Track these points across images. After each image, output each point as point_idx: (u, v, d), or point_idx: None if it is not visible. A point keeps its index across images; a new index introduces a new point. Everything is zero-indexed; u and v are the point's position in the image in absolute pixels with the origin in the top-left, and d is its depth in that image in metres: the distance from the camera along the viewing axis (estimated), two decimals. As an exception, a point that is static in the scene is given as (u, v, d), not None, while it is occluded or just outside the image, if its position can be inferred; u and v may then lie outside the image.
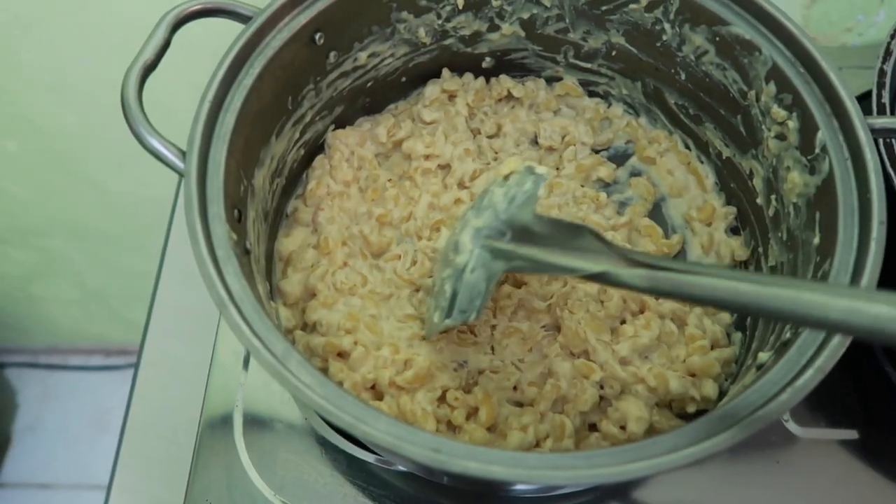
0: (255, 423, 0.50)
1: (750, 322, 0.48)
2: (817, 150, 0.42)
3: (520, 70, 0.58)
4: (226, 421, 0.50)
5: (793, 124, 0.44)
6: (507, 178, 0.45)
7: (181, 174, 0.39)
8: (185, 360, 0.54)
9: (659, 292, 0.35)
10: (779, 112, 0.45)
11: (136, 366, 0.55)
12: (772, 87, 0.45)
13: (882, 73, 0.50)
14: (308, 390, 0.34)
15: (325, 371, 0.46)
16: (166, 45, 0.42)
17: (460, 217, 0.47)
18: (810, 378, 0.34)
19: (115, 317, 1.18)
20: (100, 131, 0.80)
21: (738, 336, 0.49)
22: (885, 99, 0.48)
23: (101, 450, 1.16)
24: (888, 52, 0.51)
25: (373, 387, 0.45)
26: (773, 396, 0.34)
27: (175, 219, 0.62)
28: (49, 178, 0.89)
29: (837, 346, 0.34)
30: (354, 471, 0.48)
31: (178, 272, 0.59)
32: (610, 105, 0.58)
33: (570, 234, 0.38)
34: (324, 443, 0.49)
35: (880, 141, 0.47)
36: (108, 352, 1.30)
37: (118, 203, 0.93)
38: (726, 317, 0.50)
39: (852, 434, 0.50)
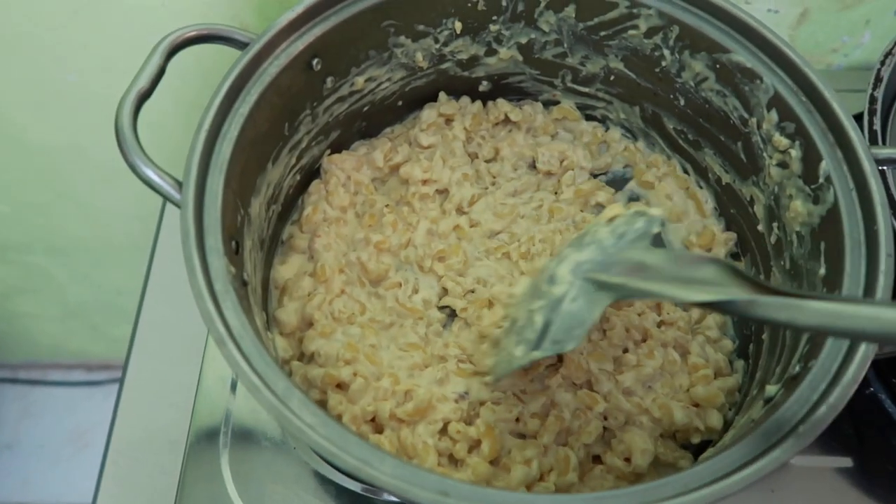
0: (242, 450, 0.49)
1: (753, 349, 0.48)
2: (821, 180, 0.42)
3: (517, 94, 0.58)
4: (212, 446, 0.49)
5: (795, 153, 0.44)
6: (610, 220, 0.44)
7: (178, 205, 0.38)
8: (171, 381, 0.53)
9: (798, 326, 0.33)
10: (781, 140, 0.45)
11: (121, 385, 0.54)
12: (773, 115, 0.45)
13: (873, 99, 0.50)
14: (311, 431, 0.33)
15: (323, 403, 0.45)
16: (161, 72, 0.41)
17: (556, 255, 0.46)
18: (822, 415, 0.33)
19: (96, 333, 1.17)
20: (84, 147, 0.79)
21: (740, 364, 0.49)
22: (877, 126, 0.49)
23: (81, 467, 1.14)
24: (878, 79, 0.51)
25: (372, 419, 0.45)
26: (785, 434, 0.33)
27: (160, 237, 0.61)
28: (31, 194, 0.87)
29: (850, 382, 0.34)
30: (343, 501, 0.47)
31: (164, 290, 0.58)
32: (608, 129, 0.58)
33: (691, 264, 0.36)
34: (312, 472, 0.48)
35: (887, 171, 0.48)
36: (90, 367, 1.27)
37: (101, 219, 0.92)
38: (729, 344, 0.49)
39: (847, 462, 0.49)
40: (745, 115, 0.47)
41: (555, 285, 0.42)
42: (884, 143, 0.52)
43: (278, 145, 0.47)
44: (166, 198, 0.39)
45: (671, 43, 0.49)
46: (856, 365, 0.34)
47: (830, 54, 0.73)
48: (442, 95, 0.57)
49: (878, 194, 0.39)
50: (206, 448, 0.49)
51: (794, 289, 0.44)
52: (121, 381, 0.54)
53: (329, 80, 0.49)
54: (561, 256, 0.43)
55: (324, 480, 0.48)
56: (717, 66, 0.47)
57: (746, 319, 0.33)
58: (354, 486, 0.47)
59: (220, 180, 0.40)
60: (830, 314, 0.29)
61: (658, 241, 0.44)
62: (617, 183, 0.57)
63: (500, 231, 0.53)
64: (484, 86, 0.57)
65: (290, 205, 0.52)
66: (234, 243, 0.41)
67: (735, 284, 0.33)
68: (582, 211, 0.55)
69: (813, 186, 0.43)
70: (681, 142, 0.54)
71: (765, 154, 0.47)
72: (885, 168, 0.48)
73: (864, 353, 0.34)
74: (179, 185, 0.39)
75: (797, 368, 0.38)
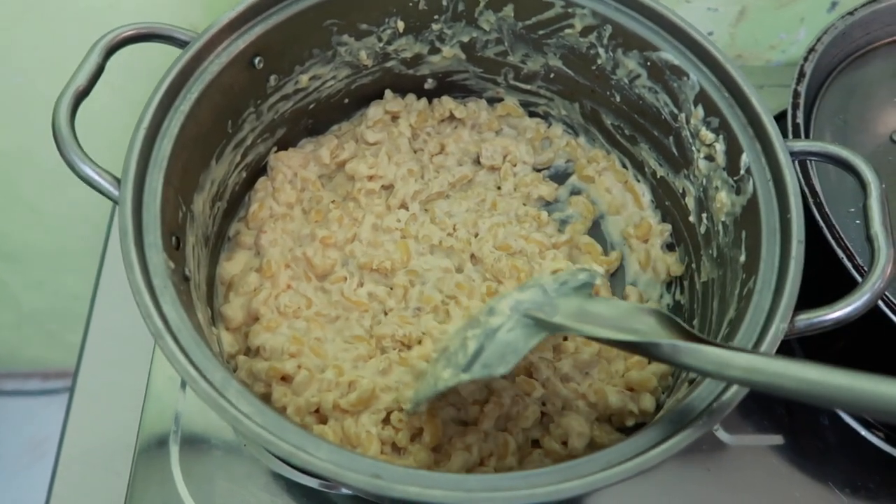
0: (193, 450, 0.49)
1: (685, 336, 0.50)
2: (742, 172, 0.44)
3: (462, 91, 0.59)
4: (162, 448, 0.49)
5: (720, 146, 0.46)
6: (554, 272, 0.48)
7: (116, 202, 0.39)
8: (121, 386, 0.53)
9: (694, 369, 0.34)
10: (707, 134, 0.47)
11: (71, 391, 0.54)
12: (700, 111, 0.47)
13: (796, 94, 0.53)
14: (247, 420, 0.34)
15: (268, 396, 0.46)
16: (100, 70, 0.41)
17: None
18: (736, 392, 0.35)
19: (52, 339, 1.14)
20: (32, 151, 0.78)
21: (674, 349, 0.50)
22: (800, 119, 0.51)
23: (38, 477, 1.11)
24: (801, 74, 0.53)
25: (317, 410, 0.45)
26: (701, 411, 0.35)
27: (110, 242, 0.61)
28: (-21, 199, 0.86)
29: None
30: (296, 496, 0.47)
31: (114, 295, 0.58)
32: (550, 125, 0.60)
33: (633, 313, 0.39)
34: (264, 469, 0.48)
35: (795, 162, 0.50)
36: (46, 375, 1.25)
37: (53, 224, 0.91)
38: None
39: (778, 440, 0.52)
40: (675, 111, 0.49)
41: (493, 316, 0.43)
42: (807, 136, 0.55)
43: (222, 143, 0.48)
44: (105, 194, 0.39)
45: (605, 41, 0.51)
46: (766, 344, 0.36)
47: (769, 51, 0.76)
48: (388, 93, 0.58)
49: (792, 185, 0.41)
50: (156, 450, 0.49)
51: (706, 333, 0.45)
52: (72, 386, 0.54)
53: (272, 78, 0.50)
54: (502, 295, 0.45)
55: (276, 477, 0.48)
56: (648, 63, 0.49)
57: (662, 361, 0.36)
58: (310, 482, 0.48)
59: (159, 177, 0.40)
60: (722, 362, 0.32)
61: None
62: (559, 177, 0.59)
63: (443, 225, 0.54)
64: (429, 83, 0.58)
65: (236, 202, 0.53)
66: (174, 239, 0.41)
67: (666, 333, 0.36)
68: (525, 205, 0.56)
69: (735, 178, 0.45)
70: (618, 137, 0.56)
71: (693, 148, 0.49)
72: (807, 160, 0.51)
73: (775, 334, 0.37)
74: (118, 182, 0.39)
75: (717, 350, 0.40)
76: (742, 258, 0.43)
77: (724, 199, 0.46)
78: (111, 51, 0.42)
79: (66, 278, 1.00)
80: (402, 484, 0.32)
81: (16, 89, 0.71)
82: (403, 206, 0.54)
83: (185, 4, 0.63)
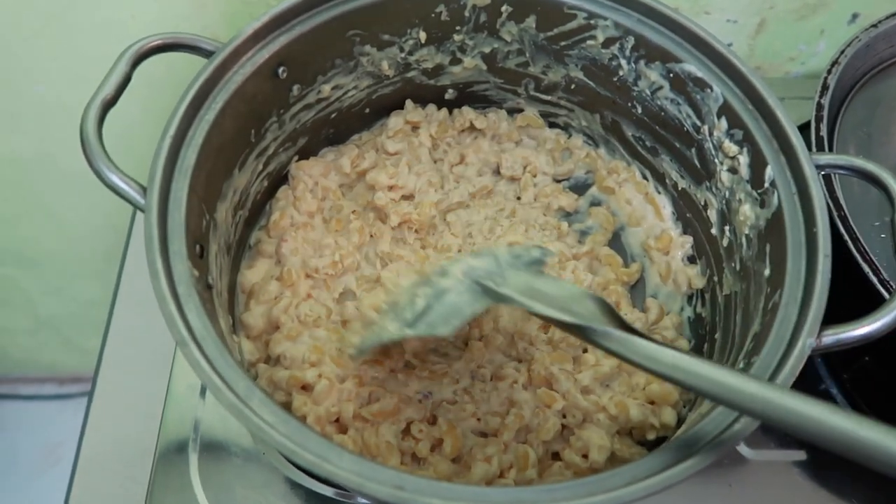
0: (212, 456, 0.49)
1: (707, 349, 0.50)
2: (766, 185, 0.44)
3: (482, 102, 0.60)
4: (181, 454, 0.49)
5: (743, 159, 0.46)
6: (510, 244, 0.48)
7: (142, 210, 0.39)
8: (140, 391, 0.53)
9: (622, 357, 0.36)
10: (730, 147, 0.47)
11: (90, 396, 0.54)
12: (723, 123, 0.47)
13: (820, 106, 0.52)
14: (270, 429, 0.34)
15: (288, 405, 0.46)
16: (127, 80, 0.42)
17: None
18: (763, 409, 0.35)
19: (68, 345, 1.16)
20: (52, 158, 0.79)
21: (695, 363, 0.50)
22: (823, 132, 0.51)
23: (53, 481, 1.12)
24: (825, 87, 0.53)
25: (337, 420, 0.45)
26: (726, 427, 0.35)
27: (130, 247, 0.61)
28: (0, 206, 0.87)
29: (788, 376, 0.36)
30: (306, 495, 0.47)
31: (133, 301, 0.58)
32: (570, 136, 0.60)
33: (576, 297, 0.40)
34: (281, 477, 0.48)
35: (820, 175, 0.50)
36: (62, 380, 1.26)
37: (71, 230, 0.92)
38: (684, 344, 0.51)
39: (801, 455, 0.51)
40: (698, 123, 0.49)
41: (444, 278, 0.44)
42: (830, 148, 0.54)
43: (245, 151, 0.48)
44: (131, 202, 0.39)
45: (627, 53, 0.51)
46: (793, 360, 0.36)
47: (788, 62, 0.76)
48: (408, 103, 0.58)
49: (818, 198, 0.41)
50: (175, 456, 0.49)
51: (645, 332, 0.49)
52: (90, 391, 0.54)
53: (295, 87, 0.50)
54: (457, 259, 0.46)
55: (294, 485, 0.48)
56: (671, 75, 0.49)
57: (595, 346, 0.37)
58: (326, 491, 0.48)
59: (184, 185, 0.41)
60: (648, 355, 0.35)
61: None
62: (579, 188, 0.59)
63: (463, 234, 0.54)
64: (450, 94, 0.59)
65: (257, 210, 0.53)
66: (198, 247, 0.41)
67: (602, 319, 0.37)
68: (545, 215, 0.56)
69: (759, 191, 0.45)
70: (639, 148, 0.56)
71: (716, 160, 0.49)
72: (832, 174, 0.50)
73: (801, 349, 0.36)
74: (144, 190, 0.39)
75: (742, 364, 0.40)
76: (766, 272, 0.43)
77: (747, 212, 0.46)
78: (138, 60, 0.43)
79: (84, 284, 1.00)
80: (426, 496, 0.32)
81: (37, 98, 0.72)
82: (423, 225, 0.54)
83: (205, 14, 0.64)
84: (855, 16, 0.70)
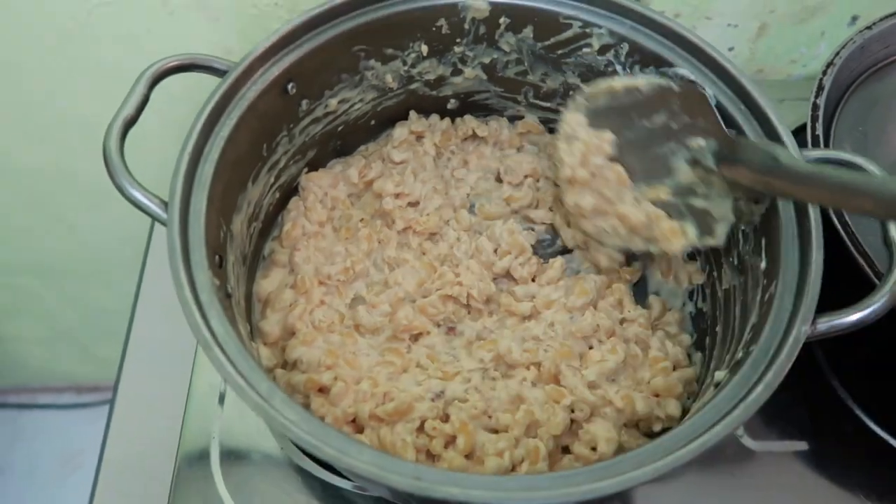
0: (232, 455, 0.51)
1: (709, 342, 0.51)
2: (759, 182, 0.45)
3: (483, 110, 0.61)
4: (203, 454, 0.51)
5: (737, 157, 0.47)
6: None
7: (164, 224, 0.41)
8: (161, 396, 0.55)
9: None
10: (724, 146, 0.48)
11: (112, 402, 0.56)
12: (717, 124, 0.49)
13: (815, 106, 0.54)
14: (294, 426, 0.35)
15: (306, 407, 0.47)
16: (145, 100, 0.44)
17: None
18: (760, 394, 0.36)
19: (85, 354, 1.17)
20: (71, 170, 0.81)
21: (698, 356, 0.52)
22: (819, 131, 0.52)
23: (73, 490, 1.14)
24: (821, 87, 0.55)
25: (353, 420, 0.47)
26: (727, 413, 0.37)
27: (149, 257, 0.63)
28: (19, 217, 0.89)
29: (784, 362, 0.37)
30: (330, 497, 0.49)
31: (153, 309, 0.60)
32: (569, 141, 0.62)
33: None
34: (300, 471, 0.50)
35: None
36: (80, 389, 1.27)
37: (89, 241, 0.93)
38: (686, 339, 0.53)
39: (803, 445, 0.53)
40: (693, 125, 0.51)
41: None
42: (827, 147, 0.56)
43: (258, 165, 0.50)
44: (153, 217, 0.41)
45: (622, 59, 0.53)
46: (789, 346, 0.38)
47: (789, 65, 0.77)
48: (412, 114, 0.60)
49: (809, 192, 0.42)
50: (196, 457, 0.51)
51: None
52: (112, 397, 0.56)
53: (304, 102, 0.52)
54: None
55: (313, 479, 0.50)
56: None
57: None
58: (344, 484, 0.50)
59: (203, 199, 0.43)
60: None
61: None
62: (580, 191, 0.61)
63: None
64: (452, 104, 0.61)
65: (270, 221, 0.55)
66: (217, 258, 0.43)
67: None
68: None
69: (753, 188, 0.46)
70: (637, 150, 0.58)
71: (711, 159, 0.50)
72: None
73: (797, 336, 0.38)
74: (165, 204, 0.41)
75: (740, 354, 0.41)
76: (763, 265, 0.44)
77: (743, 209, 0.47)
78: (156, 80, 0.45)
79: (101, 294, 1.02)
80: (443, 485, 0.34)
81: (59, 112, 0.74)
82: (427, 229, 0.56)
83: (219, 28, 0.65)
84: (855, 18, 0.71)
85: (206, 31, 0.65)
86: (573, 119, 0.51)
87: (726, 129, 0.48)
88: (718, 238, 0.48)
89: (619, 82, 0.51)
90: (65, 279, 1.01)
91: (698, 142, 0.48)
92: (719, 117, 0.48)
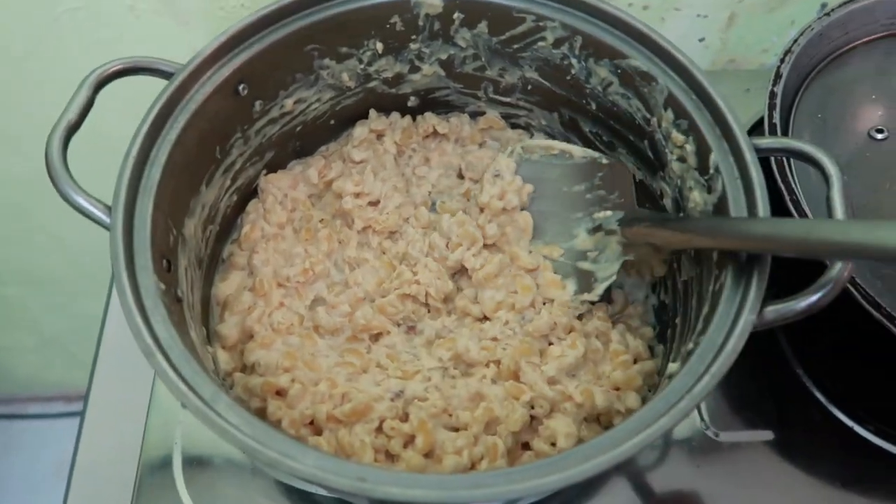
0: (195, 460, 0.51)
1: (669, 334, 0.51)
2: (712, 171, 0.45)
3: (444, 107, 0.61)
4: (165, 459, 0.51)
5: (690, 147, 0.47)
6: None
7: (108, 228, 0.41)
8: (127, 402, 0.55)
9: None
10: (678, 136, 0.48)
11: (83, 409, 0.56)
12: (670, 114, 0.48)
13: (773, 94, 0.54)
14: (234, 430, 0.35)
15: (263, 410, 0.47)
16: (90, 104, 0.43)
17: None
18: (705, 385, 0.36)
19: (73, 362, 1.17)
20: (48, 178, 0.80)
21: (660, 349, 0.51)
22: (776, 119, 0.52)
23: (60, 501, 1.14)
24: (778, 75, 0.54)
25: (311, 422, 0.47)
26: (674, 404, 0.36)
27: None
28: (1, 227, 0.89)
29: (730, 352, 0.37)
30: (293, 500, 0.49)
31: (122, 316, 0.60)
32: (532, 135, 0.61)
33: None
34: (262, 475, 0.50)
35: (772, 159, 0.51)
36: (69, 398, 1.27)
37: (72, 249, 0.93)
38: (648, 331, 0.52)
39: (768, 435, 0.52)
40: (647, 115, 0.51)
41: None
42: (785, 135, 0.56)
43: (211, 168, 0.50)
44: (97, 222, 0.41)
45: (577, 52, 0.52)
46: (735, 337, 0.37)
47: (761, 54, 0.76)
48: (372, 112, 0.59)
49: (758, 181, 0.42)
50: (159, 462, 0.51)
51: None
52: (84, 403, 0.56)
53: (258, 103, 0.52)
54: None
55: (277, 483, 0.50)
56: (619, 70, 0.51)
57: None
58: (315, 490, 0.49)
59: (149, 203, 0.42)
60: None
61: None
62: (543, 185, 0.60)
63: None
64: (412, 101, 0.60)
65: (228, 224, 0.55)
66: (165, 262, 0.43)
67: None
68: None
69: (706, 177, 0.46)
70: (598, 144, 0.58)
71: (667, 150, 0.50)
72: (781, 158, 0.52)
73: (744, 325, 0.38)
74: (110, 210, 0.41)
75: (691, 345, 0.41)
76: (715, 255, 0.44)
77: (697, 199, 0.47)
78: (100, 85, 0.44)
79: (86, 301, 1.02)
80: (386, 485, 0.34)
81: (30, 119, 0.73)
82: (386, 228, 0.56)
83: (189, 31, 0.65)
84: (824, 5, 0.71)
85: (176, 35, 0.65)
86: (504, 163, 0.55)
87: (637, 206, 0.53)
88: (594, 295, 0.51)
89: (558, 145, 0.56)
90: (50, 288, 1.01)
91: (605, 213, 0.52)
92: (634, 192, 0.54)
